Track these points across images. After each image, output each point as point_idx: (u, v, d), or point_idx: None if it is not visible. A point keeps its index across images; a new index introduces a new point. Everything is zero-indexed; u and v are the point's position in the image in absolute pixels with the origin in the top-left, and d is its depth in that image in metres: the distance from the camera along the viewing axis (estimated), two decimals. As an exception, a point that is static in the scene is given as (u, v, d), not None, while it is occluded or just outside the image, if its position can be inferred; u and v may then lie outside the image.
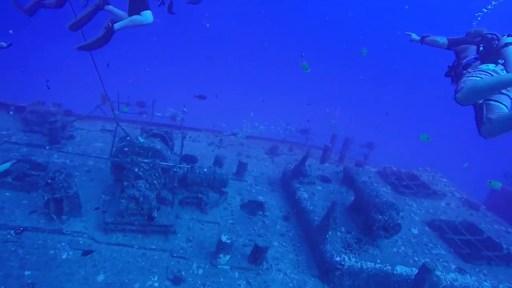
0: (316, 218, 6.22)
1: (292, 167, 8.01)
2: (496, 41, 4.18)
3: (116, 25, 4.54)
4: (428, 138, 5.29)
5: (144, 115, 9.87)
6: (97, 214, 5.32)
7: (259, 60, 38.99)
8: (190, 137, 9.92)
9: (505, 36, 4.21)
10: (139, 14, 4.44)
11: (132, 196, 4.71)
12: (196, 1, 5.13)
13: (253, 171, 8.59)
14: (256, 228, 6.20)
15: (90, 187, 6.15)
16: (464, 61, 4.24)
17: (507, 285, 5.50)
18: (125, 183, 4.99)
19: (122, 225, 4.92)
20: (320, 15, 42.45)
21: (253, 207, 6.88)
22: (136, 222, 4.99)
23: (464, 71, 4.09)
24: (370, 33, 40.09)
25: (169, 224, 5.32)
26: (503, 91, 3.56)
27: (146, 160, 5.36)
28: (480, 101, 3.63)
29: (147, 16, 4.45)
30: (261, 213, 6.73)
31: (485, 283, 5.45)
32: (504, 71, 3.82)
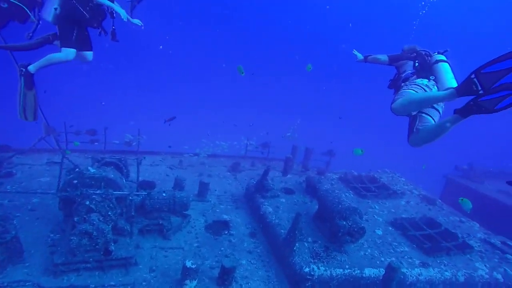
0: (282, 231, 6.17)
1: (254, 182, 7.96)
2: (429, 58, 4.58)
3: (31, 67, 4.29)
4: (362, 151, 5.62)
5: (96, 143, 9.37)
6: (44, 257, 4.84)
7: (217, 79, 39.19)
8: (150, 162, 9.58)
9: (436, 53, 4.62)
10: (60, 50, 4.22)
11: (84, 232, 4.36)
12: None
13: (215, 190, 8.42)
14: (222, 248, 6.01)
15: (35, 227, 5.61)
16: (403, 75, 4.58)
17: (464, 272, 5.79)
18: (75, 219, 4.61)
19: (74, 265, 4.52)
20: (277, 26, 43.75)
21: (218, 227, 6.69)
22: (91, 259, 4.60)
23: (403, 84, 4.41)
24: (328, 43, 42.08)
25: (129, 256, 4.98)
26: (435, 105, 3.91)
27: (98, 191, 5.03)
28: (414, 113, 3.95)
29: (67, 53, 4.24)
30: (226, 232, 6.56)
31: (446, 273, 5.69)
32: (435, 87, 4.17)
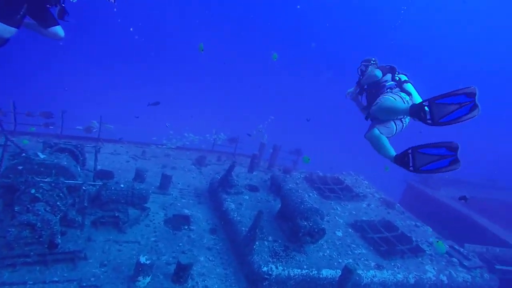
0: (243, 228, 6.09)
1: (219, 178, 7.81)
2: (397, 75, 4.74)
3: None
4: (308, 159, 5.80)
5: (51, 127, 8.71)
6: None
7: (194, 71, 38.28)
8: (111, 150, 9.10)
9: (397, 73, 4.79)
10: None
11: (26, 223, 4.00)
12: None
13: (178, 184, 8.17)
14: (181, 244, 5.82)
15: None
16: (388, 84, 4.64)
17: (415, 274, 6.04)
18: (16, 208, 4.23)
19: (10, 259, 4.14)
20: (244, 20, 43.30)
21: (178, 222, 6.48)
22: (32, 253, 4.25)
23: (388, 90, 4.49)
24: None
25: (78, 250, 4.68)
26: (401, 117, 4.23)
27: (46, 179, 4.66)
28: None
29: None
30: (186, 227, 6.37)
31: (398, 275, 5.90)
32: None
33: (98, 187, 5.57)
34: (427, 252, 6.92)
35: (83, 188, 5.06)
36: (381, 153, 3.87)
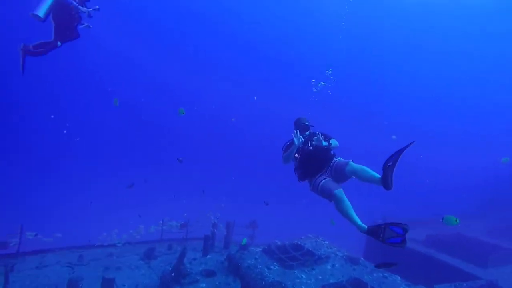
0: (203, 324, 5.31)
1: (170, 269, 7.03)
2: None
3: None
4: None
5: None
6: None
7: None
8: (36, 264, 7.83)
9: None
10: None
11: None
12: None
13: (124, 286, 7.15)
14: None
15: None
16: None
17: None
18: None
19: None
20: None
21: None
22: None
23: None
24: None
25: None
26: None
27: None
28: None
29: None
30: None
31: None
32: None
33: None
34: (401, 303, 6.60)
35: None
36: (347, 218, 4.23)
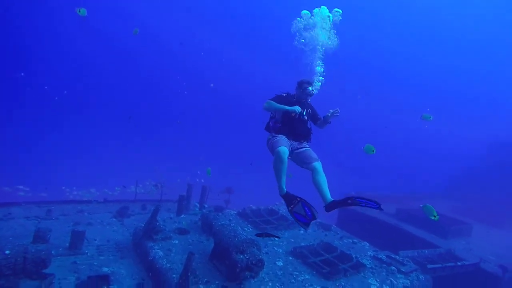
0: (174, 276, 5.34)
1: (143, 226, 6.96)
2: None
3: None
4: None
5: None
6: None
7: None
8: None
9: None
10: None
11: None
12: None
13: (95, 240, 7.05)
14: (98, 310, 4.81)
15: None
16: None
17: None
18: None
19: None
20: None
21: (94, 284, 5.41)
22: None
23: None
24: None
25: None
26: None
27: None
28: None
29: None
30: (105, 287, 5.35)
31: (344, 294, 5.66)
32: None
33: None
34: (367, 266, 6.89)
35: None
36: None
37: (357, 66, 45.40)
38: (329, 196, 4.14)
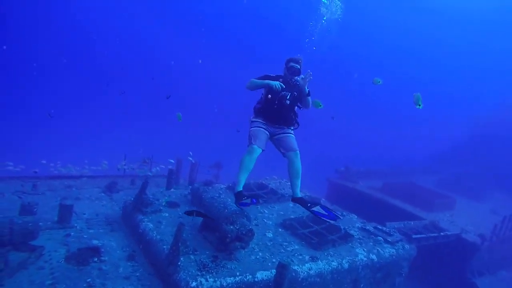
0: (164, 247, 5.37)
1: (132, 199, 6.92)
2: None
3: None
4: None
5: None
6: None
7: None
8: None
9: None
10: None
11: None
12: None
13: (84, 214, 6.99)
14: (89, 279, 4.81)
15: None
16: None
17: (348, 259, 6.10)
18: None
19: None
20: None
21: (84, 256, 5.39)
22: None
23: None
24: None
25: None
26: None
27: None
28: None
29: None
30: (96, 259, 5.34)
31: (333, 263, 5.83)
32: None
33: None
34: (355, 236, 7.07)
35: None
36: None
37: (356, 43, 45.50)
38: (297, 192, 4.53)
